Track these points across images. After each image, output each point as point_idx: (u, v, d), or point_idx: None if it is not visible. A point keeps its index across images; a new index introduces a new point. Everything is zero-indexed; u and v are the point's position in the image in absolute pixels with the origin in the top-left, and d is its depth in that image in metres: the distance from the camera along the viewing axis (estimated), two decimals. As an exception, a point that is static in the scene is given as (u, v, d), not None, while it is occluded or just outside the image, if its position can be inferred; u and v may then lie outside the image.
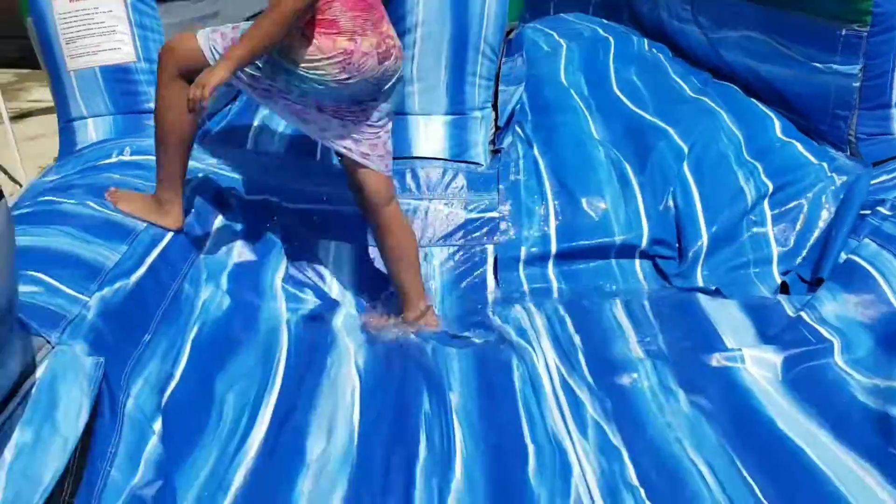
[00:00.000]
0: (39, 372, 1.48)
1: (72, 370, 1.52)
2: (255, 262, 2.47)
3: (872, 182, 2.61)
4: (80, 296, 1.76)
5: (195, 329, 2.02)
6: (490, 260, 2.70)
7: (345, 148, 2.21)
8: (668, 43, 4.05)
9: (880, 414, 1.84)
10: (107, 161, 2.69)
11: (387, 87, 2.18)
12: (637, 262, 2.72)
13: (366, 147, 2.22)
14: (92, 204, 2.24)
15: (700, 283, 2.54)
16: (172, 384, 1.81)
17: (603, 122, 3.19)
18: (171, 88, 2.17)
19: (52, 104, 4.33)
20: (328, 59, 2.04)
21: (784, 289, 2.50)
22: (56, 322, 1.63)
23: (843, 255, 2.39)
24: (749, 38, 3.39)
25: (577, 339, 2.16)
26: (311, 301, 2.38)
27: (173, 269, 2.20)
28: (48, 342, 1.57)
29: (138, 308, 1.90)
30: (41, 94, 4.92)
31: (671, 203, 2.79)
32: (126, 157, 2.77)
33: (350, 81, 2.07)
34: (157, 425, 1.63)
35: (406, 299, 2.34)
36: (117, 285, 1.90)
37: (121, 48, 2.88)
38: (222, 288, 2.28)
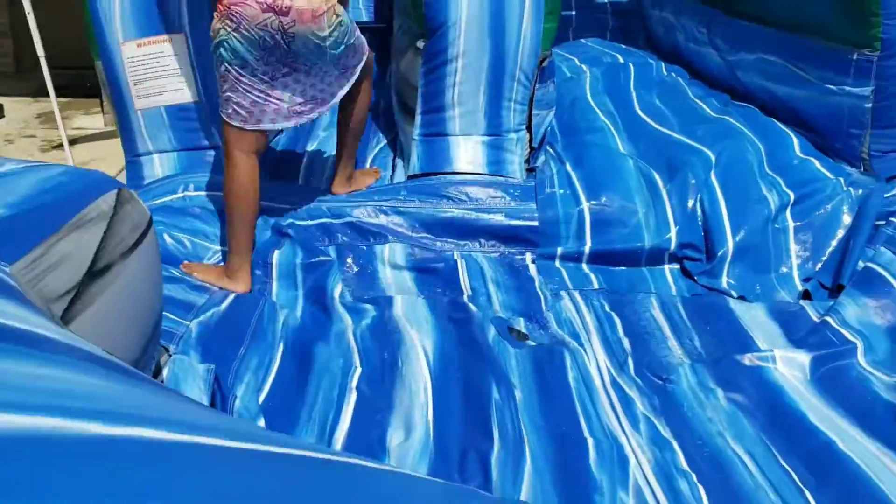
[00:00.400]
0: (164, 374, 1.70)
1: (190, 374, 1.73)
2: (318, 285, 2.68)
3: (886, 195, 2.82)
4: (182, 321, 2.00)
5: (280, 345, 2.24)
6: (532, 261, 2.90)
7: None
8: (685, 65, 4.27)
9: (901, 408, 2.04)
10: (174, 196, 2.94)
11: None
12: (667, 267, 2.92)
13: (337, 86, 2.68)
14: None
15: (725, 285, 2.74)
16: (266, 389, 2.02)
17: (630, 139, 3.41)
18: (238, 167, 2.49)
19: (96, 131, 4.57)
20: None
21: (806, 295, 2.70)
22: (169, 338, 1.85)
23: (862, 263, 2.59)
24: (765, 60, 3.61)
25: (625, 343, 2.36)
26: (370, 310, 2.58)
27: (253, 298, 2.47)
28: (167, 352, 1.78)
29: (232, 327, 2.14)
30: (85, 122, 5.15)
31: (699, 209, 2.98)
32: (191, 193, 3.01)
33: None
34: (261, 422, 1.84)
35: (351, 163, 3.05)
36: (210, 313, 2.15)
37: (184, 89, 3.10)
38: (296, 311, 2.50)
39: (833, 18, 3.15)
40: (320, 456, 0.74)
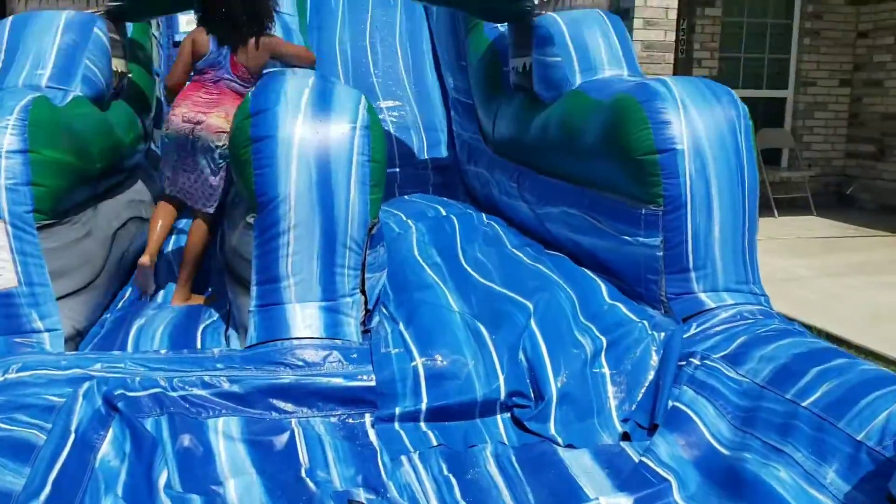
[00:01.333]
0: None
1: None
2: (142, 470, 2.60)
3: (685, 335, 3.16)
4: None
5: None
6: (371, 424, 2.96)
7: None
8: (502, 216, 4.64)
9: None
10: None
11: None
12: (499, 417, 3.07)
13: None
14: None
15: (553, 432, 2.92)
16: None
17: (457, 292, 3.63)
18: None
19: None
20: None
21: (626, 436, 2.93)
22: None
23: (670, 403, 2.87)
24: (568, 213, 4.01)
25: (463, 504, 2.46)
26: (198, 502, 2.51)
27: (75, 483, 2.35)
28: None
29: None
30: None
31: (523, 358, 3.19)
32: (12, 376, 2.88)
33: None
34: None
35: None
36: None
37: (2, 274, 3.03)
38: (119, 496, 2.41)
39: (623, 178, 3.58)
40: None
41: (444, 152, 6.08)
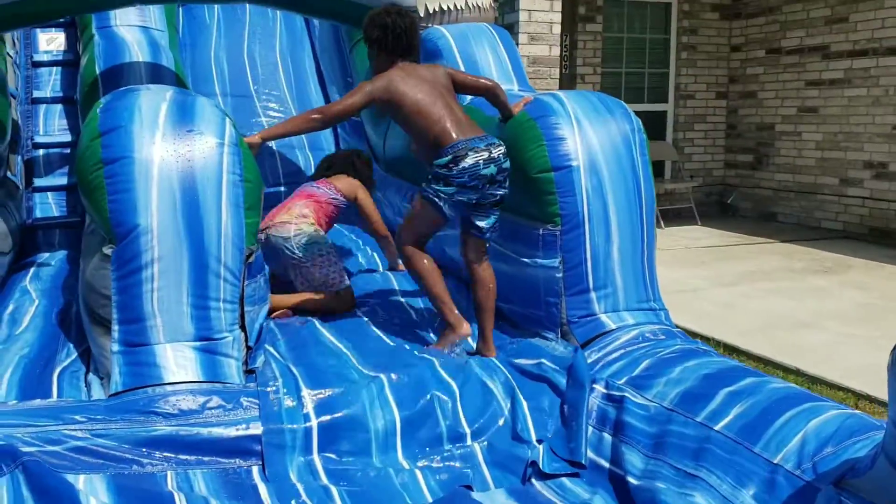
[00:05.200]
0: None
1: None
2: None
3: (588, 361, 3.01)
4: None
5: None
6: (258, 476, 2.67)
7: None
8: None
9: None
10: None
11: None
12: (399, 450, 2.83)
13: None
14: None
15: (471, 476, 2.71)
16: None
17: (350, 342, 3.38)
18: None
19: None
20: None
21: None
22: None
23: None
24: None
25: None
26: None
27: None
28: None
29: None
30: None
31: (429, 398, 2.95)
32: None
33: None
34: None
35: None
36: None
37: None
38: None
39: (519, 197, 3.41)
40: None
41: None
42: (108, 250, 2.93)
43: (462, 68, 4.09)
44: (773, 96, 8.47)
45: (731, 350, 4.22)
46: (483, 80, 3.49)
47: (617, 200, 3.30)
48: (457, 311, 3.28)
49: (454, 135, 3.13)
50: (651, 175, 3.44)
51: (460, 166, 3.09)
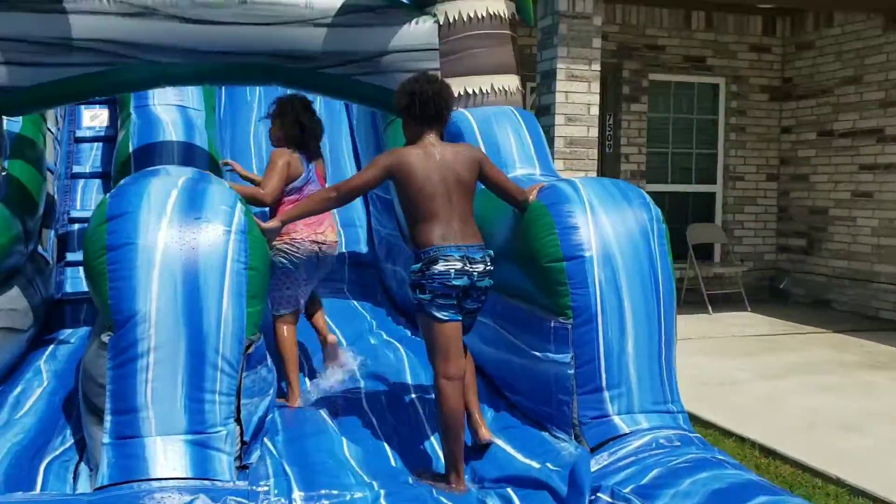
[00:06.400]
0: None
1: None
2: None
3: (595, 468, 2.81)
4: None
5: None
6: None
7: None
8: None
9: None
10: None
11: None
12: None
13: None
14: None
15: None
16: None
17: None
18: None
19: None
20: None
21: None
22: None
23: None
24: (482, 322, 3.67)
25: None
26: None
27: None
28: None
29: None
30: None
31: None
32: None
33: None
34: None
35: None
36: None
37: None
38: None
39: (531, 286, 3.28)
40: None
41: (363, 248, 5.79)
42: (105, 337, 2.89)
43: (483, 150, 4.02)
44: (826, 180, 8.19)
45: (767, 452, 3.93)
46: (512, 186, 3.25)
47: (633, 293, 3.14)
48: (461, 467, 3.00)
49: (433, 239, 2.97)
50: (670, 268, 3.27)
51: (430, 271, 2.94)
